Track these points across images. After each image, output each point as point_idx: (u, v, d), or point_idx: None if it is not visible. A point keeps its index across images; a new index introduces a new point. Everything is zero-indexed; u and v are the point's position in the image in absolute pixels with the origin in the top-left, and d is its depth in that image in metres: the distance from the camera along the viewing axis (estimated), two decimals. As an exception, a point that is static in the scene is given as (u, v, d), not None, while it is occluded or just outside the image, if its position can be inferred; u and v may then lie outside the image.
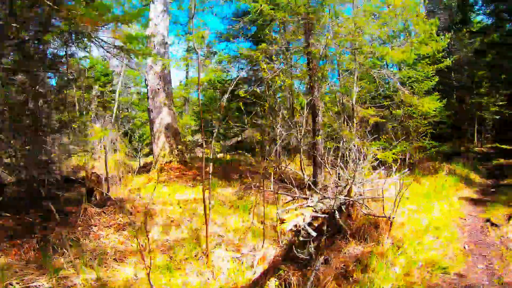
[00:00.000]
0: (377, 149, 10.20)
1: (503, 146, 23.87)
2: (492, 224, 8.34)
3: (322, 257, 5.70)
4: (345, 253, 6.24)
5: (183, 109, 27.64)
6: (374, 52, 11.21)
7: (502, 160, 17.63)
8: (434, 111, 13.36)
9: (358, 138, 12.14)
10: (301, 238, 5.49)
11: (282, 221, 5.18)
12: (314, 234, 5.08)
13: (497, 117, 24.54)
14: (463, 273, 5.94)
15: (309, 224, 5.65)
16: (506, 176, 14.05)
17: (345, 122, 12.27)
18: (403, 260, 6.24)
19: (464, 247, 7.23)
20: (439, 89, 22.38)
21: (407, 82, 13.94)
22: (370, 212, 7.29)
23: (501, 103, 23.19)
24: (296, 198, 7.47)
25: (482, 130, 26.57)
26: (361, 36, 11.14)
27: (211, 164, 6.68)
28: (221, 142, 19.55)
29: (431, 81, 13.77)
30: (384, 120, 12.92)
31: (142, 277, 5.11)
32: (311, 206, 5.83)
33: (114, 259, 5.55)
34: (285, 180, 9.45)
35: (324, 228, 6.45)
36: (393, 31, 14.48)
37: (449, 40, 20.65)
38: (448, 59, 13.81)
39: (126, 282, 4.97)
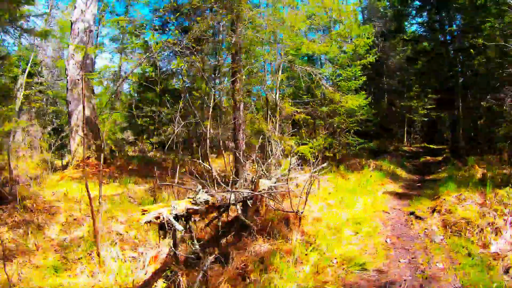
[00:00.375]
0: (297, 144, 9.40)
1: (431, 146, 24.71)
2: (416, 217, 7.74)
3: (212, 256, 4.62)
4: (250, 251, 5.41)
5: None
6: (296, 46, 10.51)
7: (429, 158, 17.77)
8: (363, 109, 13.02)
9: (280, 133, 11.36)
10: (176, 234, 4.31)
11: (143, 212, 4.00)
12: (180, 228, 3.95)
13: (426, 119, 25.53)
14: (383, 269, 5.25)
15: (187, 217, 4.49)
16: (432, 172, 13.92)
17: (269, 118, 11.44)
18: (315, 257, 5.43)
19: (386, 241, 6.51)
20: (373, 93, 22.92)
21: (336, 81, 13.47)
22: (279, 207, 6.33)
23: (429, 106, 24.32)
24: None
25: (411, 131, 27.32)
26: (284, 29, 10.37)
27: (102, 157, 5.41)
28: (150, 139, 17.99)
29: (358, 80, 13.31)
30: (309, 117, 12.24)
31: (25, 277, 4.76)
32: (190, 198, 4.68)
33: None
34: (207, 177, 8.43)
35: (219, 223, 5.37)
36: (322, 31, 14.18)
37: (378, 48, 21.43)
38: (370, 55, 13.52)
39: (4, 284, 4.46)
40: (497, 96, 13.54)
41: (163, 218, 3.95)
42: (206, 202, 4.84)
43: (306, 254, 5.56)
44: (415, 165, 16.18)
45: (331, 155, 12.38)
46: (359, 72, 13.25)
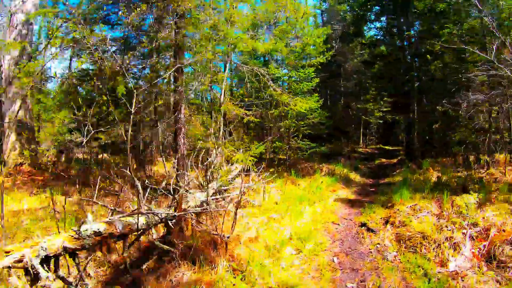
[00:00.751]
0: (236, 150, 8.34)
1: (386, 147, 24.60)
2: (368, 229, 6.88)
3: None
4: (172, 280, 4.42)
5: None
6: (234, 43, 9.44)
7: (384, 160, 17.29)
8: (315, 112, 12.15)
9: (224, 138, 10.31)
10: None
11: (7, 253, 2.75)
12: (44, 275, 2.75)
13: (381, 121, 25.47)
14: (326, 297, 4.23)
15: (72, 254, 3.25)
16: (387, 174, 13.31)
17: (213, 121, 10.34)
18: (245, 288, 4.37)
19: (333, 260, 5.59)
20: (330, 95, 22.40)
21: (288, 82, 12.54)
22: (205, 228, 5.22)
23: (385, 109, 24.40)
24: (114, 210, 5.01)
25: (367, 133, 27.15)
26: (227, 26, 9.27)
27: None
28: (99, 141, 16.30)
29: (311, 82, 12.40)
30: (258, 120, 11.19)
31: None
32: (74, 230, 3.42)
33: None
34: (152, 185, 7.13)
35: (125, 253, 4.17)
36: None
37: (335, 50, 20.99)
38: (322, 56, 12.72)
39: None
40: (452, 101, 13.22)
41: (26, 262, 2.70)
42: (98, 233, 3.60)
43: (234, 284, 4.48)
44: (370, 167, 15.58)
45: (285, 157, 11.40)
46: (312, 73, 12.36)
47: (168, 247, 4.77)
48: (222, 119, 10.14)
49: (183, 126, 9.99)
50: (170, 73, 9.50)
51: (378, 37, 21.71)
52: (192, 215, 5.21)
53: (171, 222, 5.39)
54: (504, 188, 8.87)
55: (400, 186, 9.66)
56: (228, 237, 4.73)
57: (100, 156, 14.57)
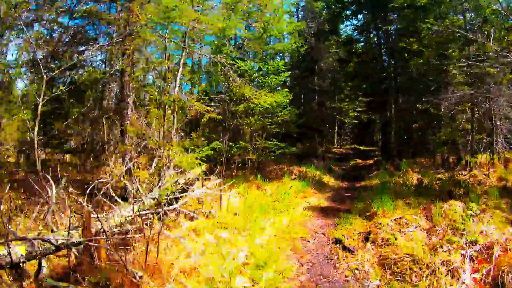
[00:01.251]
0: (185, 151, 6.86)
1: (361, 147, 23.57)
2: (344, 248, 5.50)
3: None
4: None
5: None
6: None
7: (359, 161, 16.09)
8: (285, 108, 10.71)
9: (180, 138, 8.85)
10: None
11: None
12: None
13: (356, 121, 24.48)
14: None
15: None
16: (363, 177, 12.03)
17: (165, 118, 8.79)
18: None
19: (297, 296, 4.17)
20: (304, 93, 21.12)
21: (251, 74, 11.04)
22: (121, 259, 3.66)
23: (360, 109, 23.55)
24: None
25: (342, 132, 26.09)
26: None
27: None
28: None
29: (280, 76, 10.89)
30: (220, 117, 9.68)
31: None
32: None
33: None
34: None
35: None
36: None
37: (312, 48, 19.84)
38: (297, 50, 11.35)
39: None
40: (431, 100, 12.18)
41: None
42: None
43: None
44: (345, 169, 14.30)
45: (253, 158, 9.91)
46: (282, 66, 10.89)
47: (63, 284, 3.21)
48: (175, 114, 8.57)
49: (130, 123, 8.47)
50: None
51: (355, 35, 20.55)
52: (110, 240, 3.64)
53: (77, 249, 3.84)
54: (493, 193, 7.76)
55: (379, 191, 8.42)
56: (141, 277, 3.19)
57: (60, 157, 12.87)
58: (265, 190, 8.75)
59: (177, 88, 8.86)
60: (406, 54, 15.81)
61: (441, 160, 13.99)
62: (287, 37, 16.88)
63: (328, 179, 10.81)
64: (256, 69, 10.70)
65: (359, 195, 8.84)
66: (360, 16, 19.79)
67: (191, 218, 6.28)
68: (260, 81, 10.18)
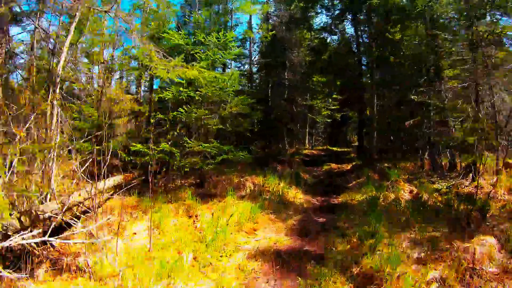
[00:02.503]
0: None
1: (334, 148, 20.50)
2: None
3: None
4: None
5: None
6: None
7: (334, 165, 12.93)
8: (234, 97, 7.34)
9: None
10: None
11: None
12: None
13: (329, 120, 21.48)
14: None
15: None
16: (341, 188, 8.82)
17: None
18: None
19: None
20: (272, 86, 17.81)
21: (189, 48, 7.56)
22: None
23: (333, 107, 20.72)
24: None
25: (313, 132, 23.01)
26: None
27: None
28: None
29: (228, 51, 7.44)
30: (141, 108, 6.27)
31: None
32: None
33: None
34: None
35: None
36: None
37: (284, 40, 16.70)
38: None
39: None
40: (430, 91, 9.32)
41: None
42: None
43: None
44: (317, 176, 11.03)
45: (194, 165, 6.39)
46: (232, 39, 7.44)
47: None
48: (55, 102, 5.17)
49: None
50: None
51: (329, 22, 17.46)
52: None
53: None
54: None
55: (367, 213, 5.30)
56: None
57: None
58: (196, 217, 5.39)
59: (62, 61, 5.45)
60: (389, 46, 12.86)
61: (431, 165, 11.11)
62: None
63: (295, 194, 7.42)
64: (197, 42, 7.28)
65: (338, 221, 5.62)
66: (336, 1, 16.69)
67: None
68: (200, 57, 6.75)
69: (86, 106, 8.02)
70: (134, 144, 6.76)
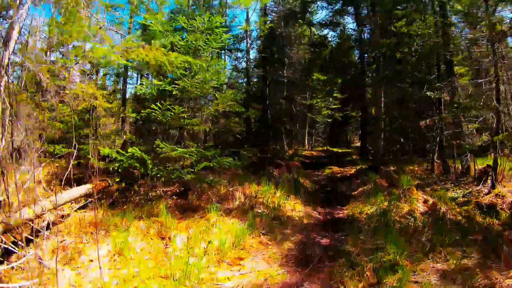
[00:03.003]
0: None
1: (334, 149, 19.37)
2: None
3: None
4: None
5: None
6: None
7: (336, 168, 11.81)
8: (221, 93, 6.23)
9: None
10: None
11: None
12: None
13: (330, 120, 20.37)
14: None
15: None
16: (346, 197, 7.71)
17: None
18: None
19: None
20: (269, 84, 16.68)
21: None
22: None
23: (334, 106, 19.68)
24: None
25: (313, 133, 21.86)
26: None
27: None
28: None
29: (213, 36, 6.28)
30: (108, 105, 5.18)
31: None
32: None
33: None
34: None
35: None
36: None
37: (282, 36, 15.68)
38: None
39: None
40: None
41: None
42: None
43: None
44: (318, 182, 9.90)
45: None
46: (220, 25, 6.28)
47: None
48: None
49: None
50: None
51: (330, 16, 16.38)
52: None
53: None
54: None
55: (379, 231, 4.24)
56: None
57: None
58: (169, 239, 4.28)
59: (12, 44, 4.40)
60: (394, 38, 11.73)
61: (442, 168, 10.01)
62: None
63: (293, 205, 6.24)
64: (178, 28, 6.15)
65: (345, 243, 4.53)
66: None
67: None
68: (179, 44, 5.61)
69: (63, 105, 6.95)
70: (101, 148, 5.67)
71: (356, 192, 7.85)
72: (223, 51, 15.52)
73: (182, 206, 5.75)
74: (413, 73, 10.48)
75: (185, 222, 4.77)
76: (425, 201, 6.83)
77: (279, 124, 15.22)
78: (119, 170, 5.87)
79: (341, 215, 6.29)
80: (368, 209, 6.06)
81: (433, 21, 10.07)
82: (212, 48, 5.92)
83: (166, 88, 5.32)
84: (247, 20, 15.41)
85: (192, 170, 5.22)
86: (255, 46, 17.94)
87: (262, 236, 4.52)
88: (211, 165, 5.16)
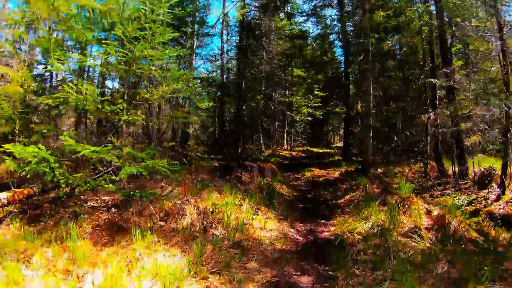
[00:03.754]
0: None
1: (315, 150, 18.05)
2: None
3: None
4: None
5: None
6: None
7: (317, 171, 10.37)
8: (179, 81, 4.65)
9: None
10: None
11: None
12: None
13: (310, 118, 19.06)
14: None
15: None
16: (331, 208, 6.25)
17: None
18: None
19: None
20: (245, 78, 15.16)
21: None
22: None
23: (314, 104, 18.37)
24: None
25: (292, 132, 20.43)
26: None
27: None
28: None
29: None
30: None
31: None
32: None
33: None
34: None
35: None
36: None
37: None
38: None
39: None
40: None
41: None
42: None
43: None
44: (297, 187, 8.39)
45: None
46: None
47: None
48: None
49: None
50: None
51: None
52: None
53: None
54: None
55: (387, 270, 2.77)
56: None
57: None
58: (78, 278, 2.68)
59: None
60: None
61: (437, 171, 8.77)
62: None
63: (264, 221, 4.64)
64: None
65: (335, 285, 3.04)
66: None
67: None
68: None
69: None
70: (7, 146, 3.98)
71: (343, 201, 6.39)
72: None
73: (116, 224, 4.15)
74: (405, 66, 9.22)
75: (108, 250, 3.18)
76: (428, 212, 5.47)
77: (256, 122, 13.71)
78: (28, 175, 4.24)
79: (327, 233, 4.77)
80: (361, 226, 4.59)
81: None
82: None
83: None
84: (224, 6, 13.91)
85: (114, 178, 3.61)
86: (234, 42, 16.50)
87: (210, 278, 2.94)
88: (135, 171, 3.53)
